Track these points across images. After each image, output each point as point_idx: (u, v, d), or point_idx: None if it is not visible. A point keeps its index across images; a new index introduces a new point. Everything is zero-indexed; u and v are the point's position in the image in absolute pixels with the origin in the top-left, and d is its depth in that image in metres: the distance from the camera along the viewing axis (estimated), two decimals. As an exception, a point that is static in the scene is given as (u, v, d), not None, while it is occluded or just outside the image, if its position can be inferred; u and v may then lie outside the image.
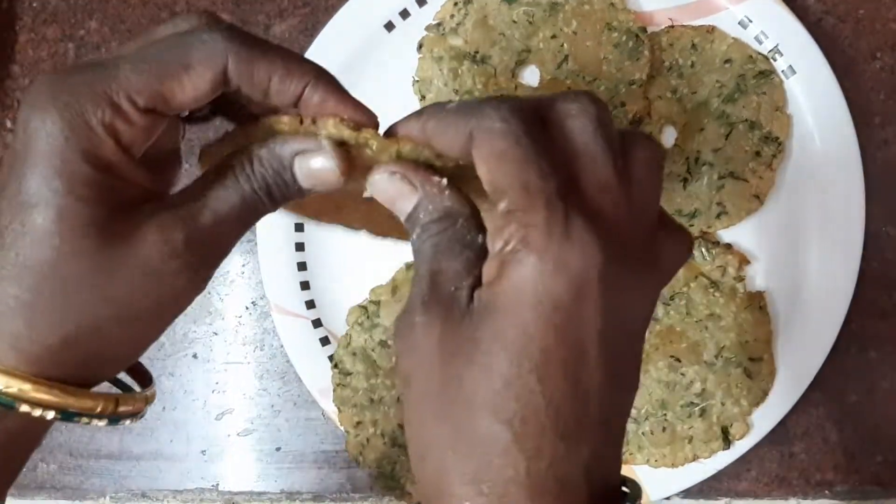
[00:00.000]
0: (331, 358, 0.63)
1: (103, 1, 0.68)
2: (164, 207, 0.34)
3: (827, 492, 0.63)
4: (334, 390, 0.62)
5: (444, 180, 0.33)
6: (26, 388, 0.32)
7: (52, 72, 0.37)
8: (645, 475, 0.61)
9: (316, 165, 0.34)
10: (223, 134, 0.37)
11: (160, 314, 0.35)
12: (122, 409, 0.36)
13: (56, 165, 0.31)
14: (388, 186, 0.33)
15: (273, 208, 0.35)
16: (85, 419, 0.34)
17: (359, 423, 0.62)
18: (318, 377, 0.63)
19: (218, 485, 0.66)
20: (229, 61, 0.33)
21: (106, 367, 0.36)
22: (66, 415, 0.33)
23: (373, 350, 0.62)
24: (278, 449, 0.66)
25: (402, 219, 0.34)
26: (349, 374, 0.62)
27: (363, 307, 0.62)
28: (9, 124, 0.68)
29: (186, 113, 0.38)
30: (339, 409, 0.62)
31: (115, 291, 0.33)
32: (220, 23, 0.34)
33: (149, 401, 0.39)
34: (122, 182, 0.33)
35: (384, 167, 0.33)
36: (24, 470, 0.64)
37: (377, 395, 0.62)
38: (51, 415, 0.33)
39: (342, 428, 0.62)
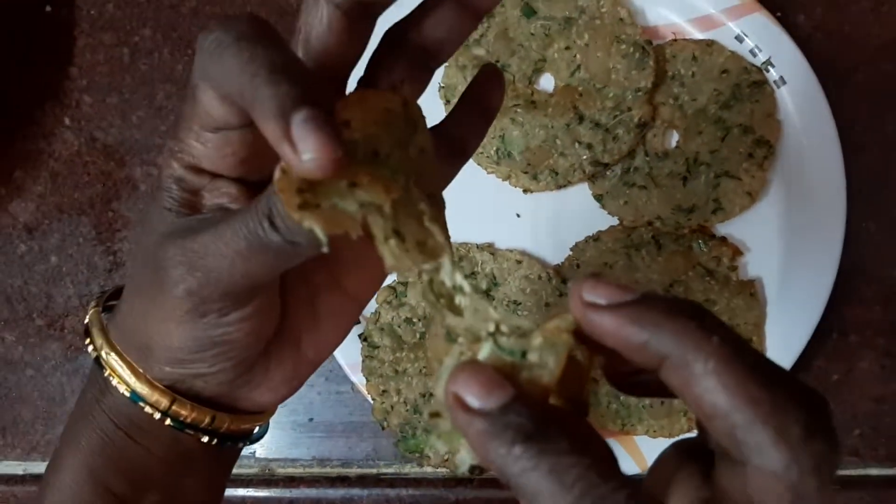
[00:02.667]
0: (361, 335, 0.67)
1: (156, 10, 0.73)
2: (197, 225, 0.32)
3: (810, 464, 0.67)
4: (363, 362, 0.67)
5: None
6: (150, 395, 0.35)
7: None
8: (644, 445, 0.64)
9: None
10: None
11: (202, 342, 0.34)
12: (210, 422, 0.36)
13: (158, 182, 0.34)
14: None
15: (277, 239, 0.29)
16: (188, 430, 0.36)
17: (384, 391, 0.66)
18: (349, 353, 0.67)
19: (255, 452, 0.70)
20: (207, 80, 0.30)
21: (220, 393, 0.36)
22: (177, 424, 0.36)
23: (399, 326, 0.67)
24: (311, 419, 0.70)
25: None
26: (377, 347, 0.67)
27: (392, 287, 0.67)
28: (67, 121, 0.73)
29: None
30: (367, 378, 0.67)
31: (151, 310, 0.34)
32: (212, 26, 0.30)
33: (255, 423, 0.39)
34: (197, 197, 0.34)
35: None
36: (38, 434, 0.70)
37: (402, 366, 0.66)
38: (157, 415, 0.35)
39: (369, 397, 0.67)
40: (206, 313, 0.32)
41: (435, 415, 0.29)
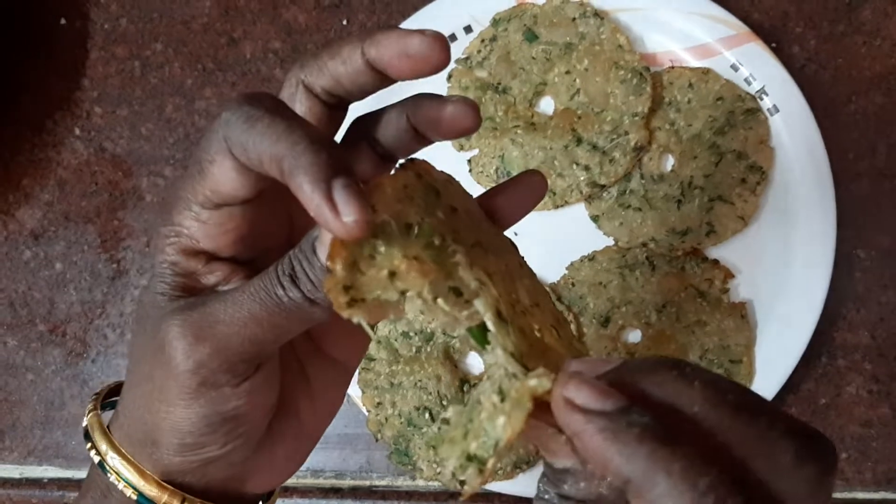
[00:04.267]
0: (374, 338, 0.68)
1: (168, 26, 0.75)
2: (198, 300, 0.33)
3: (798, 487, 0.67)
4: (359, 373, 0.68)
5: None
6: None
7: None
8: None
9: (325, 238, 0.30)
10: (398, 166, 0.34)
11: (220, 417, 0.34)
12: None
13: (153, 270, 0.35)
14: (544, 434, 0.29)
15: (296, 296, 0.31)
16: None
17: (379, 403, 0.67)
18: None
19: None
20: (232, 150, 0.31)
21: (222, 479, 0.36)
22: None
23: (395, 340, 0.68)
24: (305, 430, 0.71)
25: (545, 459, 0.30)
26: (373, 359, 0.68)
27: (390, 301, 0.68)
28: (77, 131, 0.75)
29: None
30: (362, 390, 0.68)
31: (159, 389, 0.33)
32: (237, 102, 0.31)
33: None
34: (191, 280, 0.34)
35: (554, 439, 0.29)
36: (36, 438, 0.70)
37: (397, 379, 0.67)
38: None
39: (364, 408, 0.68)
40: (217, 386, 0.33)
41: (445, 421, 0.31)
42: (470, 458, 0.29)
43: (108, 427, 0.37)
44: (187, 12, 0.75)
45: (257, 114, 0.30)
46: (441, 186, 0.34)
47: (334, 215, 0.28)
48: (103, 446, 0.36)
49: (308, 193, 0.28)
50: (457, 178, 0.36)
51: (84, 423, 0.37)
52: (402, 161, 0.34)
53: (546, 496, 0.30)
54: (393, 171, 0.33)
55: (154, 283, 0.34)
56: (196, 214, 0.33)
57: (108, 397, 0.39)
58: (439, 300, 0.30)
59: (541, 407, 0.28)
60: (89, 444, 0.36)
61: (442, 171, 0.35)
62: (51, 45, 0.76)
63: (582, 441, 0.27)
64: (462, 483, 0.29)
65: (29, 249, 0.75)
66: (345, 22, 0.73)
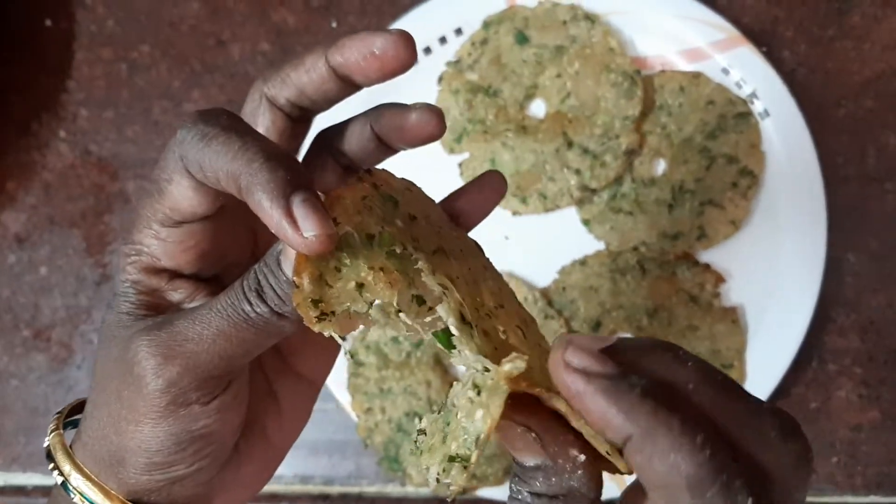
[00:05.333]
0: (347, 352, 0.68)
1: (156, 27, 0.74)
2: (165, 319, 0.33)
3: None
4: (348, 379, 0.67)
5: (582, 457, 0.29)
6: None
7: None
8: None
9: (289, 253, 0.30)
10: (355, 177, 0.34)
11: (179, 433, 0.33)
12: None
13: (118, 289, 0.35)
14: (512, 434, 0.30)
15: (264, 310, 0.31)
16: None
17: (369, 409, 0.67)
18: (333, 370, 0.66)
19: (237, 467, 0.70)
20: (188, 168, 0.31)
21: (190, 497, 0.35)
22: None
23: (385, 345, 0.68)
24: (294, 436, 0.70)
25: (514, 459, 0.30)
26: (362, 364, 0.67)
27: (379, 305, 0.68)
28: (62, 134, 0.74)
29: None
30: (352, 396, 0.67)
31: (126, 411, 0.33)
32: (192, 120, 0.31)
33: None
34: (155, 298, 0.34)
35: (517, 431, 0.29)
36: (20, 445, 0.70)
37: (386, 385, 0.67)
38: None
39: (354, 414, 0.67)
40: (187, 404, 0.32)
41: (421, 432, 0.31)
42: (452, 459, 0.29)
43: (70, 446, 0.36)
44: (175, 13, 0.74)
45: (212, 131, 0.30)
46: (399, 195, 0.34)
47: (295, 231, 0.28)
48: (66, 466, 0.35)
49: (267, 210, 0.28)
50: (422, 184, 0.36)
51: (46, 444, 0.36)
52: (359, 173, 0.34)
53: (519, 496, 0.30)
54: (351, 183, 0.33)
55: (118, 303, 0.34)
56: (156, 233, 0.33)
57: (70, 416, 0.38)
58: (401, 314, 0.30)
59: (511, 406, 0.29)
60: (52, 465, 0.36)
61: (402, 179, 0.35)
62: (36, 46, 0.75)
63: (582, 401, 0.28)
64: (448, 486, 0.29)
65: (13, 254, 0.74)
66: (334, 24, 0.73)
